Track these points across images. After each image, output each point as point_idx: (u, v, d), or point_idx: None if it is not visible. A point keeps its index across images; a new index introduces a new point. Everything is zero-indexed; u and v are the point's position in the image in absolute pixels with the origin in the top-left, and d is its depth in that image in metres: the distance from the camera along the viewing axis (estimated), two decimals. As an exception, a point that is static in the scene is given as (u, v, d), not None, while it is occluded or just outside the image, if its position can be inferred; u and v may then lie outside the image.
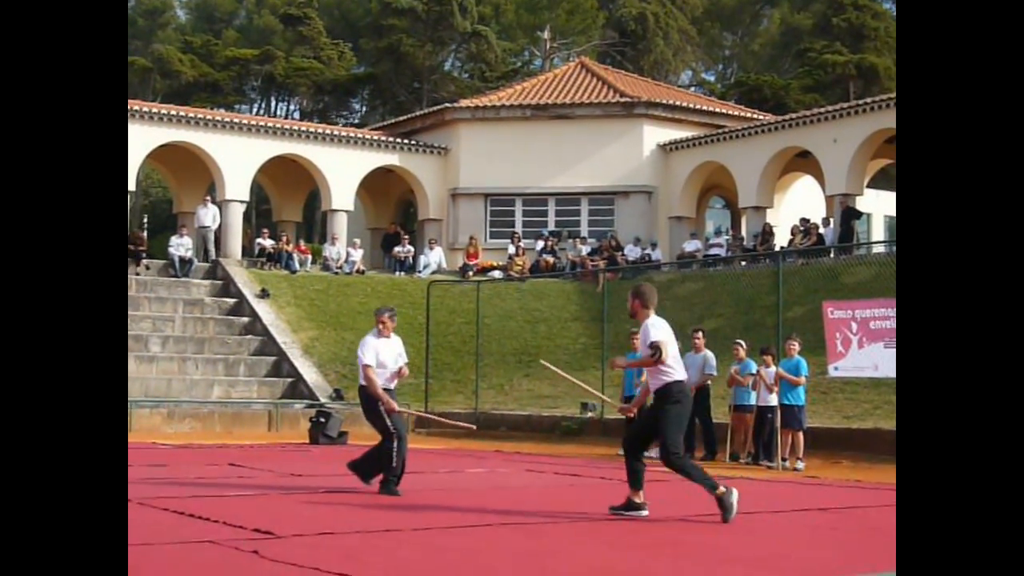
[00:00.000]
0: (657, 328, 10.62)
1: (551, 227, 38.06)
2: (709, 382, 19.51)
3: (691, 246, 35.31)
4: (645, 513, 10.52)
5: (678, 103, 39.46)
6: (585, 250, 35.95)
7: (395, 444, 12.09)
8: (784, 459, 17.97)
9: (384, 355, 12.37)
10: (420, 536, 8.87)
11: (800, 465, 17.78)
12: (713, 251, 35.56)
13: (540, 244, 36.75)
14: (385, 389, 12.39)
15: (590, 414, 24.59)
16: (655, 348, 10.37)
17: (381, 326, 12.61)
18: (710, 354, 19.55)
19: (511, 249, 36.60)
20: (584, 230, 37.86)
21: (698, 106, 39.94)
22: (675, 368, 10.48)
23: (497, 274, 35.32)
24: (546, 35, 66.14)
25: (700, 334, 20.03)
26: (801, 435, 18.06)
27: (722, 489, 10.08)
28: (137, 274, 31.95)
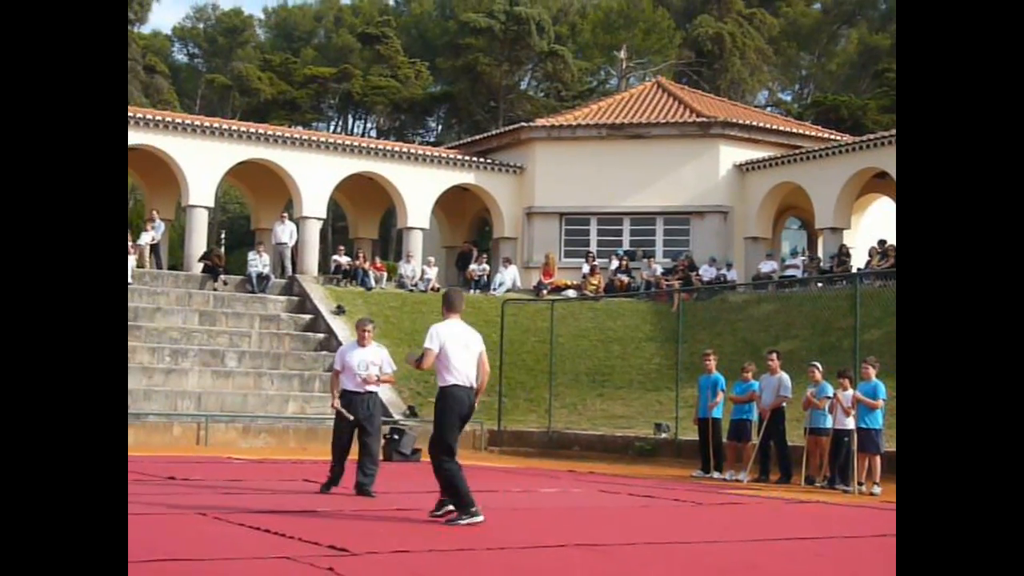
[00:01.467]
0: (433, 334, 11.02)
1: (626, 246, 37.97)
2: (784, 404, 19.36)
3: (767, 267, 35.06)
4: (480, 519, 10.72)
5: (754, 123, 39.25)
6: (659, 270, 35.82)
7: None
8: (860, 483, 17.77)
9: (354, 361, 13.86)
10: (494, 556, 8.87)
11: (877, 490, 17.58)
12: (789, 272, 35.31)
13: (615, 263, 36.67)
14: (352, 392, 13.86)
15: (664, 435, 24.47)
16: (420, 354, 11.06)
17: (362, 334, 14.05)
18: (785, 376, 19.41)
19: (585, 268, 36.55)
20: (659, 250, 37.73)
21: (775, 126, 39.71)
22: (446, 374, 10.88)
23: (571, 293, 35.29)
24: (622, 54, 66.17)
25: (775, 356, 19.91)
26: (878, 459, 17.85)
27: (474, 511, 10.61)
28: (215, 289, 32.28)
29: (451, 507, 10.94)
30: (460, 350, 10.92)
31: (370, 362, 13.84)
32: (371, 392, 13.96)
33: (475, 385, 11.03)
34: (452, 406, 10.86)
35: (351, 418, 13.85)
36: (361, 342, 14.04)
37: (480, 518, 10.61)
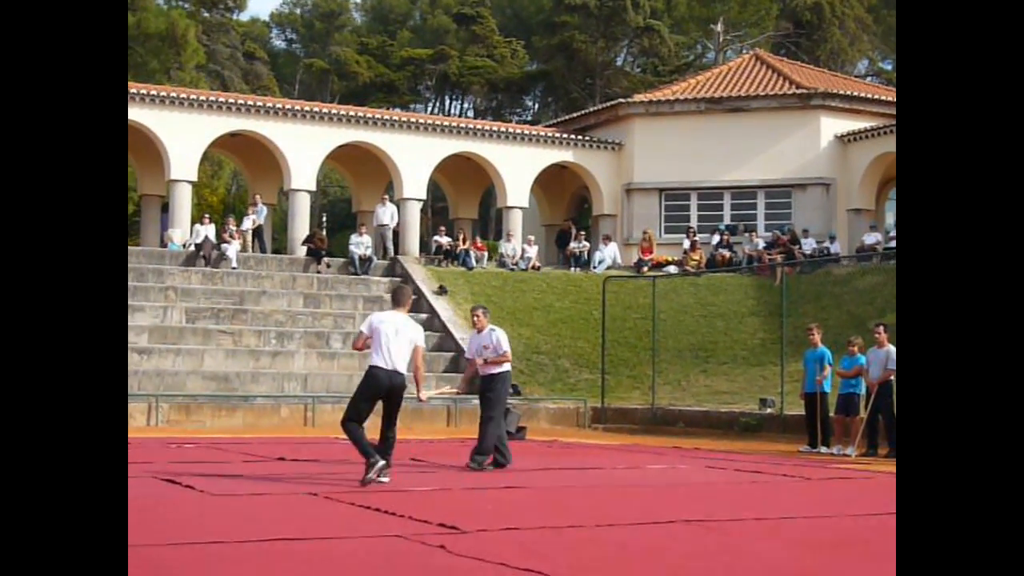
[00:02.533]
0: (367, 320, 12.55)
1: (727, 221, 37.68)
2: (892, 377, 19.10)
3: (871, 239, 34.57)
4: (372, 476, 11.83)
5: (855, 93, 38.69)
6: (761, 244, 35.49)
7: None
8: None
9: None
10: (604, 533, 8.87)
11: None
12: (894, 244, 34.81)
13: (716, 238, 36.41)
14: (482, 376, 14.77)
15: (769, 410, 24.29)
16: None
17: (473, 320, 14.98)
18: (892, 348, 19.14)
19: (686, 244, 36.33)
20: (760, 224, 37.38)
21: (876, 96, 39.09)
22: (372, 354, 12.18)
23: (672, 269, 35.09)
24: (719, 28, 65.56)
25: (882, 329, 19.66)
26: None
27: (373, 461, 11.80)
28: (318, 272, 32.61)
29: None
30: (389, 336, 12.08)
31: (482, 346, 14.53)
32: (494, 373, 14.60)
33: (398, 369, 12.07)
34: (367, 383, 12.23)
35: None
36: (478, 327, 14.81)
37: (380, 462, 11.82)
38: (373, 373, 12.13)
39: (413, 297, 13.16)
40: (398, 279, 33.09)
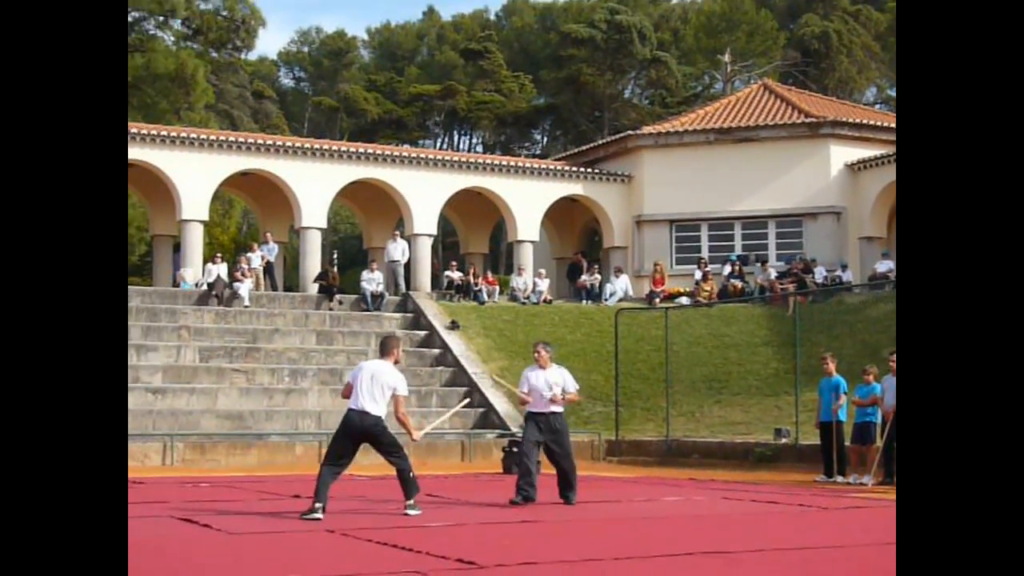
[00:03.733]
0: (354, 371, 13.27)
1: (738, 251, 37.66)
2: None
3: (883, 267, 34.51)
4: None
5: (865, 121, 38.72)
6: (773, 273, 35.47)
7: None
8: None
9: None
10: (622, 566, 8.84)
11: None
12: (895, 270, 34.70)
13: (727, 269, 36.39)
14: (537, 412, 14.95)
15: (784, 440, 24.21)
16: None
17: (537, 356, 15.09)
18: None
19: (698, 274, 36.32)
20: (772, 253, 37.38)
21: (885, 123, 39.10)
22: (351, 398, 12.87)
23: (684, 300, 35.08)
24: (727, 58, 65.69)
25: (895, 357, 19.60)
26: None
27: (315, 507, 12.36)
28: (331, 309, 32.64)
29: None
30: (364, 381, 12.78)
31: (553, 383, 14.73)
32: (555, 412, 14.86)
33: (367, 410, 12.64)
34: (342, 424, 12.93)
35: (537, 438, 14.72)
36: (540, 364, 14.94)
37: (318, 516, 12.17)
38: (347, 415, 12.86)
39: (400, 345, 13.43)
40: (410, 315, 33.13)
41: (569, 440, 15.42)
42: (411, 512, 12.60)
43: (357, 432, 12.78)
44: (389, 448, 12.94)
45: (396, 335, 14.83)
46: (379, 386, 12.75)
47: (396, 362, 13.20)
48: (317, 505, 12.34)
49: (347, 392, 13.06)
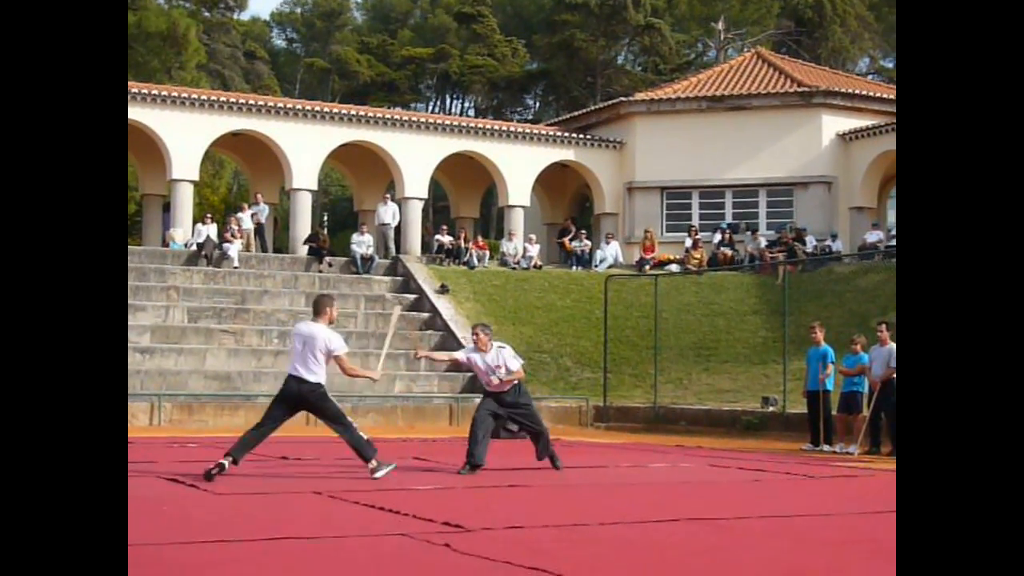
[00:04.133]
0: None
1: (729, 219, 37.67)
2: (895, 375, 19.09)
3: (873, 237, 34.55)
4: None
5: (857, 91, 38.67)
6: (763, 242, 35.48)
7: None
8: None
9: None
10: (608, 531, 8.87)
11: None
12: (895, 242, 34.78)
13: (718, 237, 36.40)
14: (492, 393, 14.48)
15: (771, 408, 24.29)
16: None
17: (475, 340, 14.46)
18: (894, 346, 19.12)
19: (688, 242, 36.31)
20: (762, 222, 37.37)
21: (877, 94, 39.04)
22: (289, 366, 12.69)
23: (674, 267, 35.10)
24: (720, 26, 65.55)
25: (884, 327, 19.62)
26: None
27: (222, 463, 12.20)
28: (320, 271, 32.61)
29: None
30: (298, 347, 12.51)
31: (494, 367, 14.20)
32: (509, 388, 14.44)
33: (303, 377, 12.36)
34: (281, 389, 12.72)
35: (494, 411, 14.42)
36: (479, 347, 14.33)
37: (223, 463, 12.14)
38: (285, 379, 12.66)
39: (334, 304, 13.06)
40: (400, 278, 33.12)
41: (533, 406, 15.08)
42: (378, 474, 12.40)
43: (293, 398, 12.53)
44: (332, 416, 12.64)
45: (330, 295, 14.39)
46: (312, 351, 12.37)
47: (330, 322, 12.72)
48: (225, 459, 12.23)
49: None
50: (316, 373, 12.37)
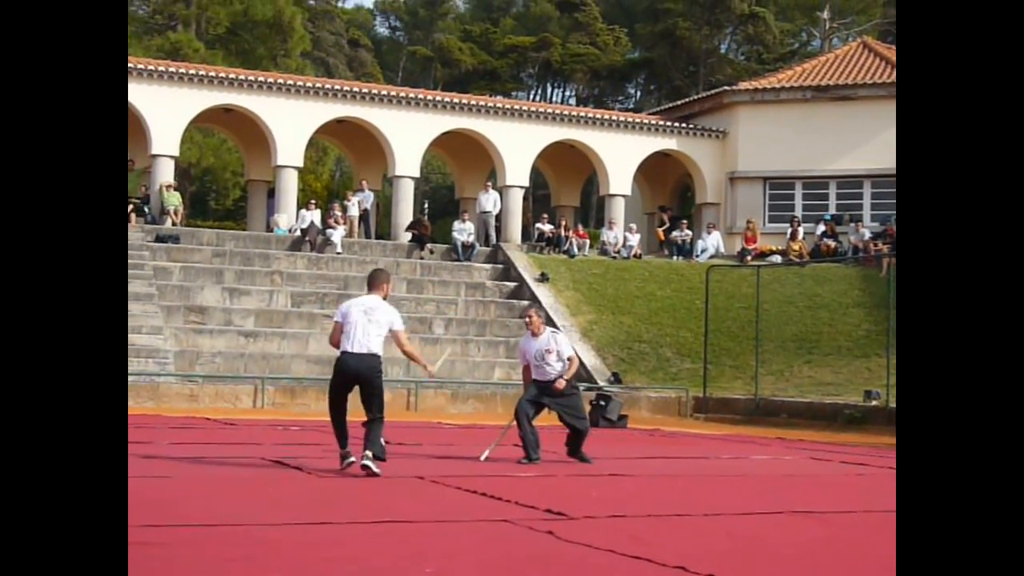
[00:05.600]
0: (338, 309, 12.01)
1: (832, 211, 37.24)
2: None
3: (980, 230, 33.89)
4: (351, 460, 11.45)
5: (966, 81, 37.95)
6: (868, 234, 35.03)
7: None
8: None
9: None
10: (710, 522, 8.84)
11: None
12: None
13: (821, 228, 36.01)
14: (542, 381, 13.56)
15: (875, 402, 23.99)
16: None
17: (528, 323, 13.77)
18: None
19: (790, 233, 35.99)
20: (867, 214, 36.89)
21: (988, 84, 38.26)
22: (343, 342, 11.51)
23: (776, 259, 34.80)
24: (825, 15, 64.78)
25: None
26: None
27: (343, 452, 11.51)
28: (422, 258, 32.83)
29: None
30: (359, 319, 11.45)
31: (544, 351, 13.42)
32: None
33: (370, 351, 11.39)
34: (335, 370, 11.69)
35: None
36: (532, 331, 13.62)
37: (351, 460, 11.35)
38: (341, 359, 11.57)
39: (391, 280, 12.36)
40: (500, 266, 33.21)
41: (579, 400, 14.25)
42: (370, 464, 11.20)
43: (352, 376, 11.48)
44: (380, 396, 11.65)
45: (386, 269, 13.43)
46: (375, 323, 11.44)
47: (385, 297, 11.89)
48: (344, 453, 11.51)
49: (336, 338, 11.64)
50: (378, 346, 11.48)
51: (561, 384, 13.35)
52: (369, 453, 11.26)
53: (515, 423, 13.55)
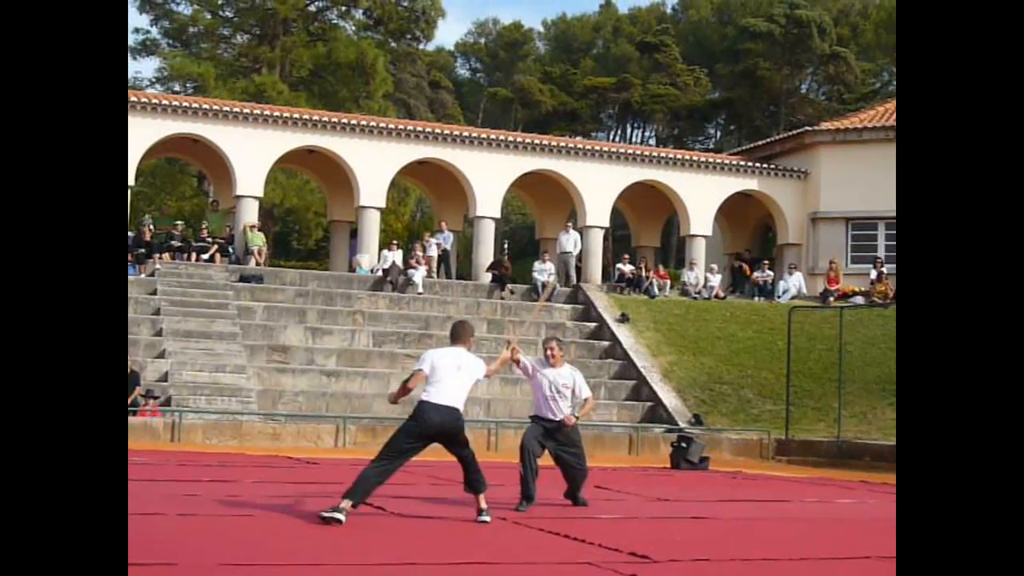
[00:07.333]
0: (423, 356, 11.35)
1: (916, 252, 36.79)
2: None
3: (1069, 271, 33.38)
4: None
5: (1054, 121, 37.49)
6: (952, 275, 34.56)
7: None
8: None
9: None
10: (797, 567, 8.77)
11: None
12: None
13: (904, 269, 35.58)
14: (543, 419, 12.94)
15: (960, 446, 23.60)
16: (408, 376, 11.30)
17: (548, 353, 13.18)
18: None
19: (873, 274, 35.65)
20: (951, 254, 36.41)
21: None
22: (428, 388, 10.90)
23: (859, 299, 34.47)
24: (908, 54, 64.20)
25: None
26: None
27: (344, 505, 10.35)
28: (503, 298, 32.90)
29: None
30: (450, 371, 10.96)
31: (561, 384, 12.91)
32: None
33: (456, 406, 10.86)
34: (416, 417, 10.89)
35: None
36: (552, 362, 13.10)
37: (339, 517, 10.23)
38: (420, 407, 10.93)
39: (474, 333, 12.10)
40: (581, 307, 33.20)
41: (580, 441, 13.30)
42: (483, 516, 10.95)
43: (435, 430, 10.84)
44: (464, 442, 11.14)
45: (468, 322, 12.70)
46: (467, 377, 11.07)
47: (469, 349, 11.45)
48: (344, 503, 10.47)
49: (411, 384, 11.04)
50: (463, 400, 11.06)
51: (571, 420, 12.79)
52: (482, 498, 11.08)
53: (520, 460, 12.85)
